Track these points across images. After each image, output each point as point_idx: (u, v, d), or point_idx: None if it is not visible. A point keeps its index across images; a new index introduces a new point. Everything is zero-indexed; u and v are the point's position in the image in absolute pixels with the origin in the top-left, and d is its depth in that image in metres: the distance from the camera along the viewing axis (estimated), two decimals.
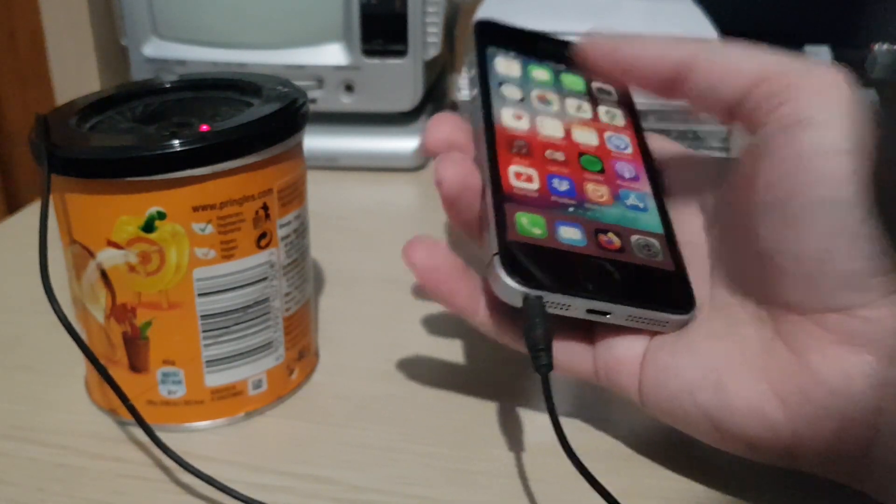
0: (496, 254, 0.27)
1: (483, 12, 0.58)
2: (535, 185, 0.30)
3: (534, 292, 0.27)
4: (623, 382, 0.29)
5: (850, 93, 0.25)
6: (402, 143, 0.58)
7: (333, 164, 0.58)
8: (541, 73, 0.34)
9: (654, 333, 0.29)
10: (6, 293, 0.43)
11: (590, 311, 0.28)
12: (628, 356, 0.28)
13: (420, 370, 0.36)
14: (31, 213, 0.53)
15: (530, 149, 0.31)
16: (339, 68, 0.56)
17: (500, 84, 0.33)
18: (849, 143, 0.24)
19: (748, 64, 0.27)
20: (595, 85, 0.35)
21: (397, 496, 0.29)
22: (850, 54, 0.61)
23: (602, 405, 0.33)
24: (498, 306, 0.29)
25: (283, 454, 0.31)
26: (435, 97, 0.65)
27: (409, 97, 0.57)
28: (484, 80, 0.33)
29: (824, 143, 0.24)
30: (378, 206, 0.53)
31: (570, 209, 0.30)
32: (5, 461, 0.31)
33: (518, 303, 0.27)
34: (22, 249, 0.48)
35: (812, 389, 0.25)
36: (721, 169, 0.30)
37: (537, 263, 0.27)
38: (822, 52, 0.60)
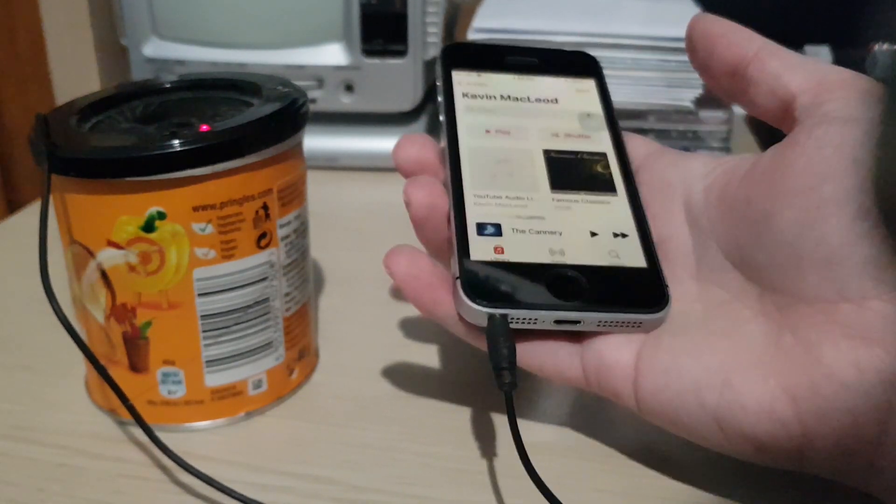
0: (457, 277, 0.28)
1: (483, 12, 0.58)
2: (499, 202, 0.30)
3: (498, 311, 0.27)
4: (617, 387, 0.28)
5: None
6: None
7: (333, 164, 0.58)
8: (510, 85, 0.35)
9: (642, 333, 0.28)
10: (6, 293, 0.43)
11: (559, 322, 0.28)
12: (620, 360, 0.28)
13: (420, 370, 0.36)
14: (31, 213, 0.53)
15: (495, 165, 0.31)
16: (339, 68, 0.56)
17: (467, 105, 0.33)
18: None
19: (809, 64, 0.28)
20: (571, 85, 0.35)
21: (397, 496, 0.29)
22: (850, 54, 0.61)
23: (602, 406, 0.33)
24: None
25: (283, 454, 0.31)
26: (435, 97, 0.65)
27: (409, 97, 0.57)
28: (450, 103, 0.33)
29: (862, 137, 0.25)
30: (378, 206, 0.53)
31: (535, 221, 0.30)
32: (5, 461, 0.31)
33: (484, 323, 0.27)
34: (22, 249, 0.48)
35: (823, 384, 0.24)
36: (705, 164, 0.30)
37: (500, 281, 0.28)
38: (822, 52, 0.60)
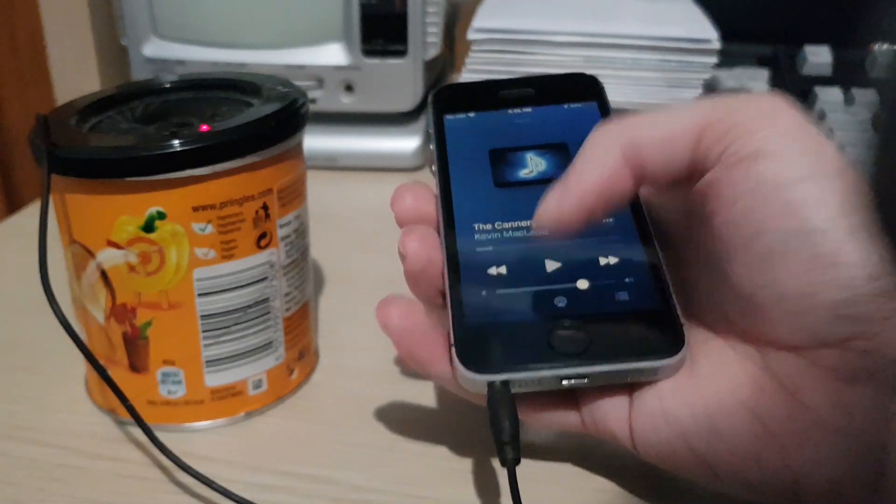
0: (452, 344, 0.26)
1: (483, 12, 0.58)
2: (494, 255, 0.28)
3: (498, 377, 0.25)
4: (614, 429, 0.27)
5: (795, 117, 0.24)
6: (402, 143, 0.58)
7: (333, 164, 0.58)
8: (505, 123, 0.33)
9: (659, 380, 0.26)
10: (6, 293, 0.43)
11: (565, 380, 0.26)
12: (616, 402, 0.27)
13: None
14: (31, 213, 0.53)
15: (490, 215, 0.29)
16: (339, 68, 0.56)
17: (460, 152, 0.32)
18: (805, 169, 0.23)
19: (685, 120, 0.25)
20: (572, 108, 0.33)
21: (397, 496, 0.29)
22: (850, 54, 0.61)
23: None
24: None
25: (283, 454, 0.31)
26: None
27: (409, 97, 0.57)
28: (442, 150, 0.32)
29: (779, 175, 0.23)
30: (378, 206, 0.53)
31: (535, 272, 0.28)
32: (5, 461, 0.31)
33: (484, 391, 0.26)
34: (22, 249, 0.48)
35: (811, 431, 0.23)
36: (685, 199, 0.28)
37: (498, 343, 0.26)
38: (822, 52, 0.60)
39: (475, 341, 0.26)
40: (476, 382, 0.26)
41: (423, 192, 0.30)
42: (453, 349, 0.26)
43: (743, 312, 0.25)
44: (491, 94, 0.34)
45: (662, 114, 0.26)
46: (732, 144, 0.24)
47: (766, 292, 0.23)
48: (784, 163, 0.23)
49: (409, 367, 0.36)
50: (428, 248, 0.28)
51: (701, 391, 0.25)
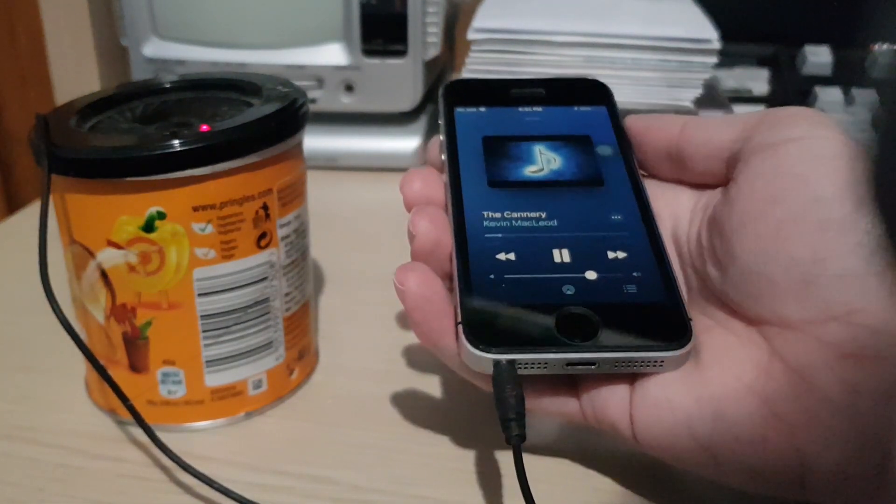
0: (459, 322, 0.26)
1: (483, 12, 0.58)
2: (503, 242, 0.28)
3: (504, 357, 0.25)
4: (614, 420, 0.27)
5: (827, 119, 0.27)
6: (402, 143, 0.58)
7: (333, 164, 0.58)
8: (515, 120, 0.33)
9: (664, 373, 0.26)
10: (6, 293, 0.43)
11: (571, 365, 0.26)
12: (616, 392, 0.27)
13: (420, 370, 0.36)
14: (31, 213, 0.53)
15: (500, 204, 0.30)
16: (339, 68, 0.56)
17: (469, 143, 0.32)
18: (829, 151, 0.25)
19: (733, 119, 0.29)
20: (581, 111, 0.34)
21: (397, 496, 0.29)
22: (850, 54, 0.61)
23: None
24: None
25: (283, 454, 0.31)
26: (435, 97, 0.65)
27: (409, 97, 0.57)
28: (452, 142, 0.32)
29: (804, 152, 0.25)
30: (378, 206, 0.53)
31: (544, 259, 0.28)
32: (5, 461, 0.31)
33: (489, 370, 0.26)
34: (22, 249, 0.48)
35: (817, 409, 0.23)
36: (690, 197, 0.30)
37: (506, 323, 0.26)
38: (822, 52, 0.60)
39: (483, 320, 0.26)
40: (482, 361, 0.26)
41: (433, 176, 0.31)
42: (460, 326, 0.26)
43: (751, 293, 0.25)
44: (502, 91, 0.35)
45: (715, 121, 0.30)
46: (765, 132, 0.27)
47: (777, 261, 0.24)
48: (809, 143, 0.26)
49: (418, 340, 0.36)
50: (438, 229, 0.28)
51: (705, 379, 0.26)
